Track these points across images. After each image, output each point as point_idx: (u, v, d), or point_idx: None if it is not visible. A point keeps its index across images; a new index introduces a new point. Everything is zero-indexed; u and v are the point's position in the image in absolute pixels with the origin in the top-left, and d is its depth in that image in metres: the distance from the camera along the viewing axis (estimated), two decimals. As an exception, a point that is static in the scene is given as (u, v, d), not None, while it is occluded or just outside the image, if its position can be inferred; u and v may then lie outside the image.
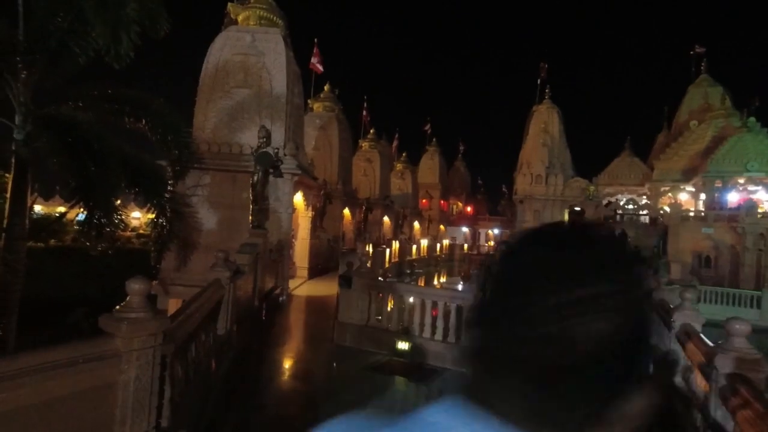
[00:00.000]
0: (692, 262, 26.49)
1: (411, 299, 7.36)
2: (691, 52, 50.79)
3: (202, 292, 5.11)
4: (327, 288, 15.44)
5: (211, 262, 6.71)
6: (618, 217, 31.73)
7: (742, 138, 34.96)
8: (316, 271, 17.66)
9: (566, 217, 36.47)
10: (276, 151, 10.48)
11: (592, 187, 32.53)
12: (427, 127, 54.83)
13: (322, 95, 26.48)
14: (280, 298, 11.83)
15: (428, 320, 7.11)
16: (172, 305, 13.12)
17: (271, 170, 9.43)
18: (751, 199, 28.89)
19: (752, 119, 36.83)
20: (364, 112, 36.53)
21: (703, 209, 32.17)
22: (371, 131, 36.75)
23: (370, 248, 21.91)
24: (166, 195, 10.17)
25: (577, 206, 32.45)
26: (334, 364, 7.15)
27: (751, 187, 35.60)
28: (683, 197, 40.74)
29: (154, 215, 9.63)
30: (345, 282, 7.97)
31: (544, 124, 33.49)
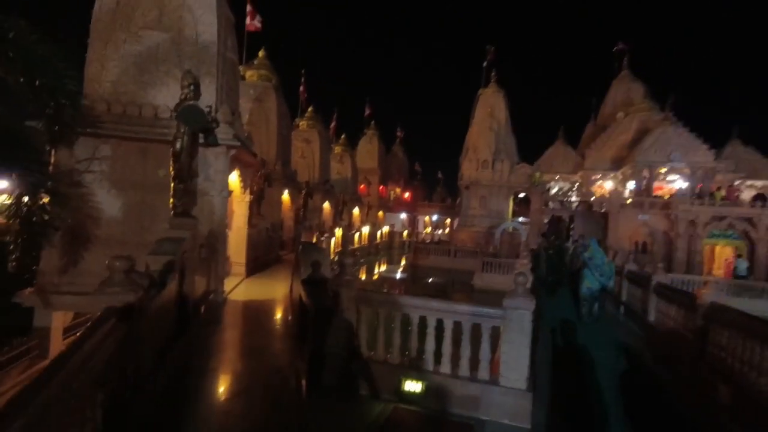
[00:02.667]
0: (630, 248, 27.18)
1: (419, 316, 5.13)
2: (614, 49, 53.44)
3: (72, 352, 2.45)
4: (270, 288, 12.70)
5: (110, 268, 3.96)
6: (560, 204, 31.97)
7: (665, 131, 36.92)
8: (255, 266, 14.78)
9: (511, 204, 36.49)
10: (209, 109, 7.61)
11: (537, 174, 32.48)
12: (368, 109, 52.41)
13: (256, 62, 22.96)
14: (213, 308, 9.01)
15: (448, 348, 4.96)
16: (58, 320, 9.68)
17: (201, 135, 6.61)
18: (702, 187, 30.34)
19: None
20: (302, 88, 33.17)
21: (630, 198, 33.70)
22: (309, 109, 33.53)
23: (315, 238, 19.29)
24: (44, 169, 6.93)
25: (521, 192, 32.26)
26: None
27: (670, 177, 37.98)
28: (608, 185, 42.76)
29: (12, 198, 6.37)
30: (317, 293, 5.53)
31: (491, 109, 32.69)
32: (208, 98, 9.96)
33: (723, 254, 27.33)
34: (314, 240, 18.83)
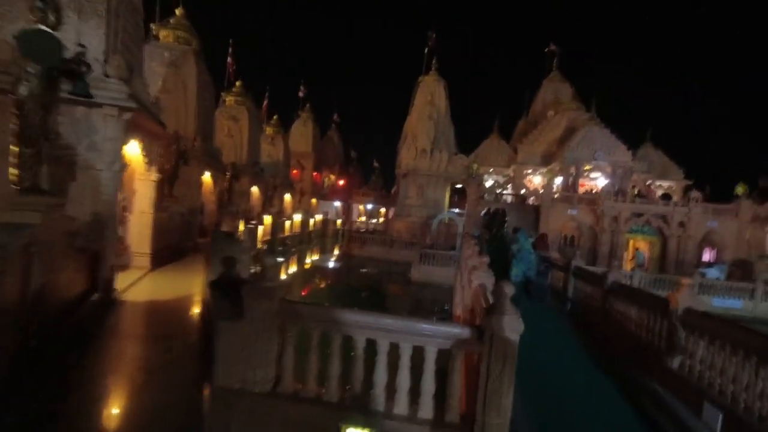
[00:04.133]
0: (559, 241, 28.01)
1: (366, 339, 3.80)
2: (546, 50, 55.55)
3: None
4: (182, 283, 10.65)
5: None
6: (495, 197, 32.26)
7: (591, 130, 38.78)
8: (164, 257, 12.54)
9: (448, 195, 36.28)
10: (81, 51, 5.55)
11: (475, 165, 32.41)
12: (301, 90, 49.64)
13: (173, 21, 19.95)
14: (94, 314, 7.00)
15: (406, 380, 3.70)
16: None
17: (60, 77, 4.65)
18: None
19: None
20: (229, 59, 30.07)
21: (557, 193, 35.03)
22: (238, 83, 30.54)
23: (241, 225, 17.19)
24: None
25: (459, 183, 32.08)
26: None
27: (593, 174, 40.12)
28: (537, 180, 44.41)
29: None
30: (227, 303, 3.96)
31: (431, 96, 31.96)
32: (93, 44, 7.74)
33: (640, 248, 29.20)
34: (240, 228, 16.73)
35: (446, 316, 18.44)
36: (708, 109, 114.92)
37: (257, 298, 3.78)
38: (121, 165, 8.19)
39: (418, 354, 3.73)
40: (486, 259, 6.63)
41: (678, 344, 5.77)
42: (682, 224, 27.45)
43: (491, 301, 4.65)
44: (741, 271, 24.18)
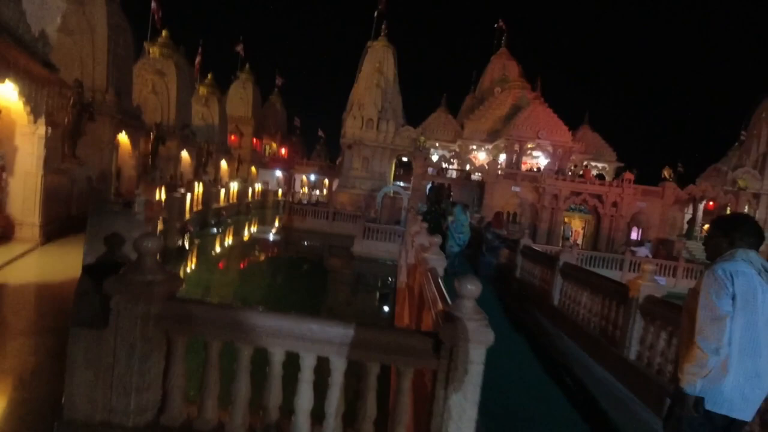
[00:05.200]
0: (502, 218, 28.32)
1: (284, 352, 2.77)
2: (495, 26, 55.44)
3: None
4: (80, 261, 8.96)
5: None
6: (438, 172, 31.90)
7: (535, 109, 39.37)
8: (62, 228, 10.60)
9: (393, 167, 35.42)
10: None
11: (422, 138, 31.62)
12: (239, 47, 45.83)
13: (78, -52, 16.78)
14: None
15: (335, 402, 2.76)
16: None
17: None
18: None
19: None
20: (154, 3, 26.55)
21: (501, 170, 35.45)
22: (164, 33, 27.20)
23: (161, 193, 15.23)
24: None
25: (405, 156, 31.27)
26: None
27: (535, 153, 41.07)
28: (482, 157, 44.84)
29: None
30: (96, 300, 2.76)
31: (379, 63, 30.43)
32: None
33: (576, 226, 30.37)
34: (158, 197, 14.79)
35: (389, 292, 17.89)
36: (639, 95, 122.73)
37: (128, 299, 2.61)
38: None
39: (354, 369, 2.77)
40: (438, 240, 5.79)
41: (636, 335, 5.32)
42: (615, 204, 28.72)
43: (445, 294, 3.80)
44: (665, 249, 25.84)
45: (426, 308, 4.13)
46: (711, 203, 31.47)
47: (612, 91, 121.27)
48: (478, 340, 2.51)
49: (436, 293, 3.87)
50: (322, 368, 2.76)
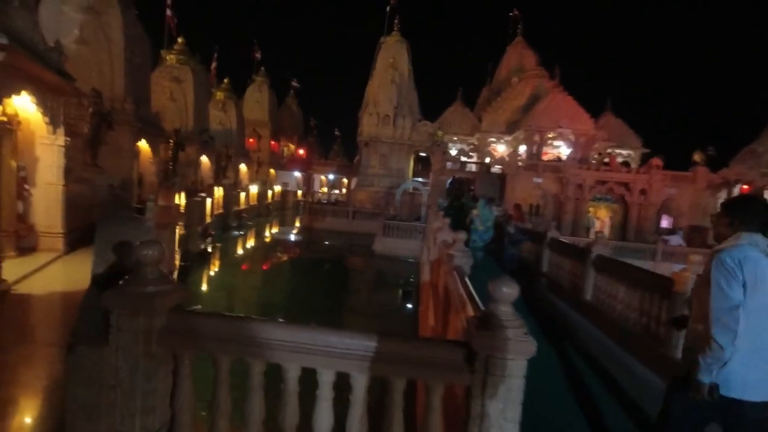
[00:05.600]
0: (525, 211, 27.66)
1: (299, 368, 2.51)
2: (510, 14, 54.30)
3: None
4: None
5: None
6: (459, 165, 31.36)
7: (555, 98, 38.34)
8: (85, 237, 10.67)
9: (412, 163, 35.04)
10: None
11: (440, 132, 31.13)
12: (256, 53, 46.20)
13: (92, -40, 17.00)
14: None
15: (358, 423, 2.49)
16: None
17: None
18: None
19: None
20: (169, 11, 26.85)
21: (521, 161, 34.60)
22: (180, 40, 27.49)
23: (181, 198, 15.33)
24: None
25: (423, 152, 30.84)
26: None
27: (556, 143, 40.02)
28: (501, 149, 43.96)
29: None
30: (92, 318, 2.58)
31: (393, 59, 30.07)
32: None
33: (602, 216, 29.41)
34: (179, 201, 14.88)
35: (411, 290, 17.60)
36: (664, 78, 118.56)
37: (128, 313, 2.41)
38: (-8, 122, 6.33)
39: (377, 383, 2.50)
40: (462, 235, 5.47)
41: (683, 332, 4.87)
42: (643, 191, 27.67)
43: (474, 296, 3.49)
44: (698, 237, 24.74)
45: (453, 310, 3.84)
46: (746, 187, 29.97)
47: (635, 76, 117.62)
48: (518, 351, 2.20)
49: (465, 295, 3.57)
50: (343, 383, 2.51)
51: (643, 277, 5.83)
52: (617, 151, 44.55)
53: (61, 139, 9.47)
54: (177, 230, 11.11)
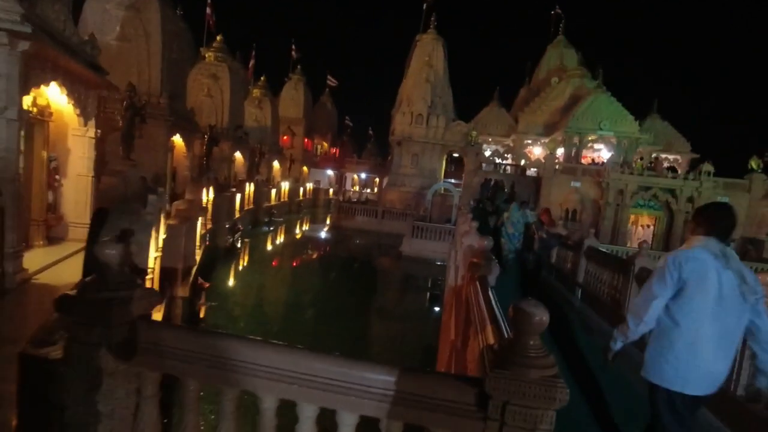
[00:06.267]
0: (560, 215, 26.48)
1: (277, 399, 2.08)
2: (552, 12, 52.41)
3: None
4: (125, 260, 9.02)
5: None
6: (493, 167, 30.42)
7: (597, 99, 36.59)
8: (112, 228, 10.81)
9: (444, 163, 34.38)
10: None
11: (474, 133, 30.32)
12: (294, 52, 46.69)
13: (135, -42, 17.44)
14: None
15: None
16: None
17: None
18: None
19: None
20: (209, 10, 27.41)
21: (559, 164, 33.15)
22: (218, 38, 28.00)
23: (209, 194, 15.43)
24: None
25: (456, 152, 30.12)
26: None
27: (596, 146, 38.23)
28: (537, 152, 42.43)
29: None
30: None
31: (428, 57, 29.50)
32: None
33: (644, 223, 27.74)
34: (206, 198, 14.97)
35: (440, 293, 17.09)
36: (715, 79, 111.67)
37: (83, 321, 2.10)
38: (17, 111, 6.33)
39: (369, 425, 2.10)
40: (489, 242, 4.96)
41: (747, 363, 4.19)
42: (690, 199, 25.89)
43: (497, 315, 3.01)
44: (754, 250, 22.85)
45: (473, 329, 3.37)
46: (809, 197, 27.47)
47: (684, 76, 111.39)
48: (545, 399, 1.74)
49: (485, 312, 3.10)
50: (327, 418, 2.11)
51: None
52: (663, 155, 42.12)
53: (92, 131, 9.59)
54: (199, 225, 11.07)
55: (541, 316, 1.78)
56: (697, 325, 2.37)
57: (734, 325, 2.39)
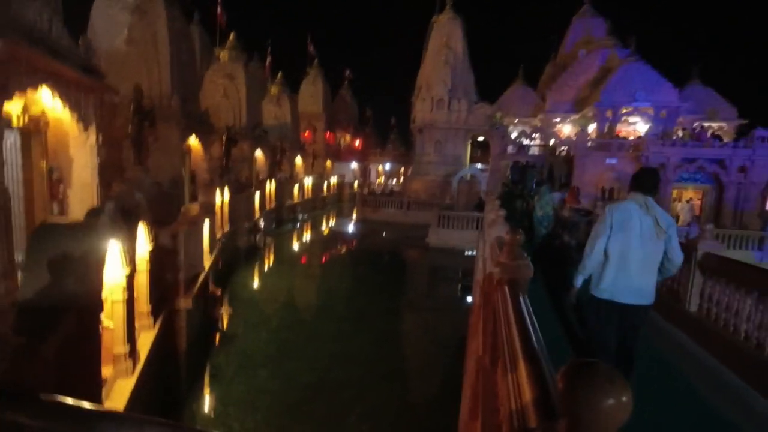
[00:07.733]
0: (596, 195, 24.91)
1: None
2: (576, -19, 49.50)
3: None
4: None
5: None
6: (519, 149, 28.95)
7: (630, 67, 34.28)
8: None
9: (469, 149, 33.13)
10: None
11: (498, 115, 28.94)
12: (311, 47, 46.11)
13: (138, -40, 17.13)
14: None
15: None
16: None
17: None
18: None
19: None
20: (219, 9, 27.08)
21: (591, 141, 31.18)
22: (231, 37, 27.68)
23: (223, 195, 15.03)
24: None
25: (481, 136, 28.87)
26: None
27: (631, 119, 35.90)
28: (567, 130, 40.36)
29: None
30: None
31: (446, 38, 28.24)
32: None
33: (690, 199, 25.72)
34: (219, 201, 14.57)
35: (469, 284, 16.23)
36: (761, 36, 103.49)
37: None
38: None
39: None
40: (520, 236, 4.11)
41: None
42: (742, 169, 23.74)
43: (534, 347, 2.20)
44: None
45: (501, 359, 2.57)
46: None
47: (726, 37, 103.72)
48: None
49: (516, 337, 2.28)
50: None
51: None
52: (706, 124, 39.21)
53: (93, 138, 9.23)
54: (207, 228, 10.61)
55: (618, 397, 0.98)
56: (625, 254, 3.31)
57: (654, 253, 3.34)
